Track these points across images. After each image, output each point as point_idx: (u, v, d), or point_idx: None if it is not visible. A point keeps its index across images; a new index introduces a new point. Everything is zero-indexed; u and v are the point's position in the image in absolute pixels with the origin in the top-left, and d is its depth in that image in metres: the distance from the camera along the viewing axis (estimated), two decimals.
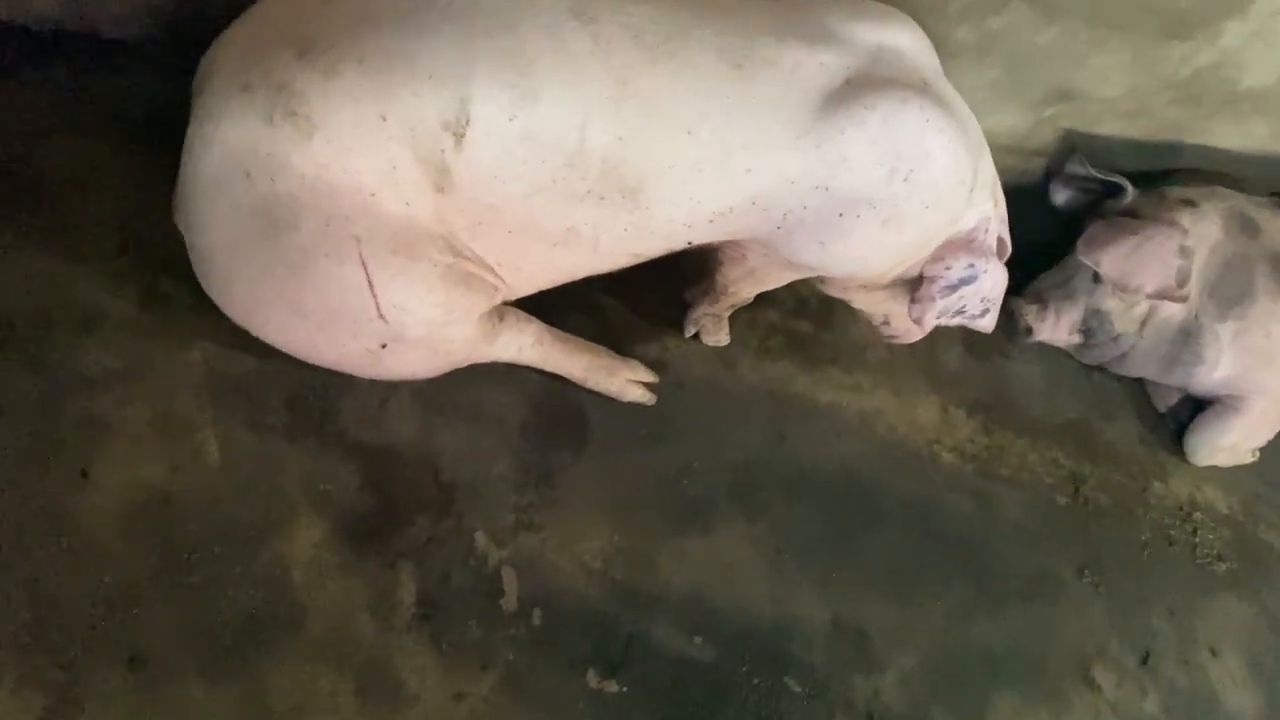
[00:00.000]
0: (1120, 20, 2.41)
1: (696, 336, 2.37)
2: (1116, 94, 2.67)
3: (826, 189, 1.80)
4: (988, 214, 1.98)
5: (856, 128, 1.76)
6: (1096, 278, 2.64)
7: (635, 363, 2.24)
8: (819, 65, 1.76)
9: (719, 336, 2.40)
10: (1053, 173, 2.81)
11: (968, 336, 2.83)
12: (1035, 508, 2.65)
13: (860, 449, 2.48)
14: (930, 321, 2.05)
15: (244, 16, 1.70)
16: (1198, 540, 2.84)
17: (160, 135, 1.84)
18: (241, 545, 1.74)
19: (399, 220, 1.65)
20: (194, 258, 1.73)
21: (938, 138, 1.79)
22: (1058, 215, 2.88)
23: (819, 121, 1.75)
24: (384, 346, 1.75)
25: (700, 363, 2.39)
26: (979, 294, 2.01)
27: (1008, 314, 2.64)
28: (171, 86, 1.82)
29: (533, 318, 2.06)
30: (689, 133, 1.71)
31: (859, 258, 1.91)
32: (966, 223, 1.97)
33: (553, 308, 2.09)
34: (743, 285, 2.20)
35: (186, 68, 1.76)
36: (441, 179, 1.64)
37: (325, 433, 1.91)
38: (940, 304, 1.99)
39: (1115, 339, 2.78)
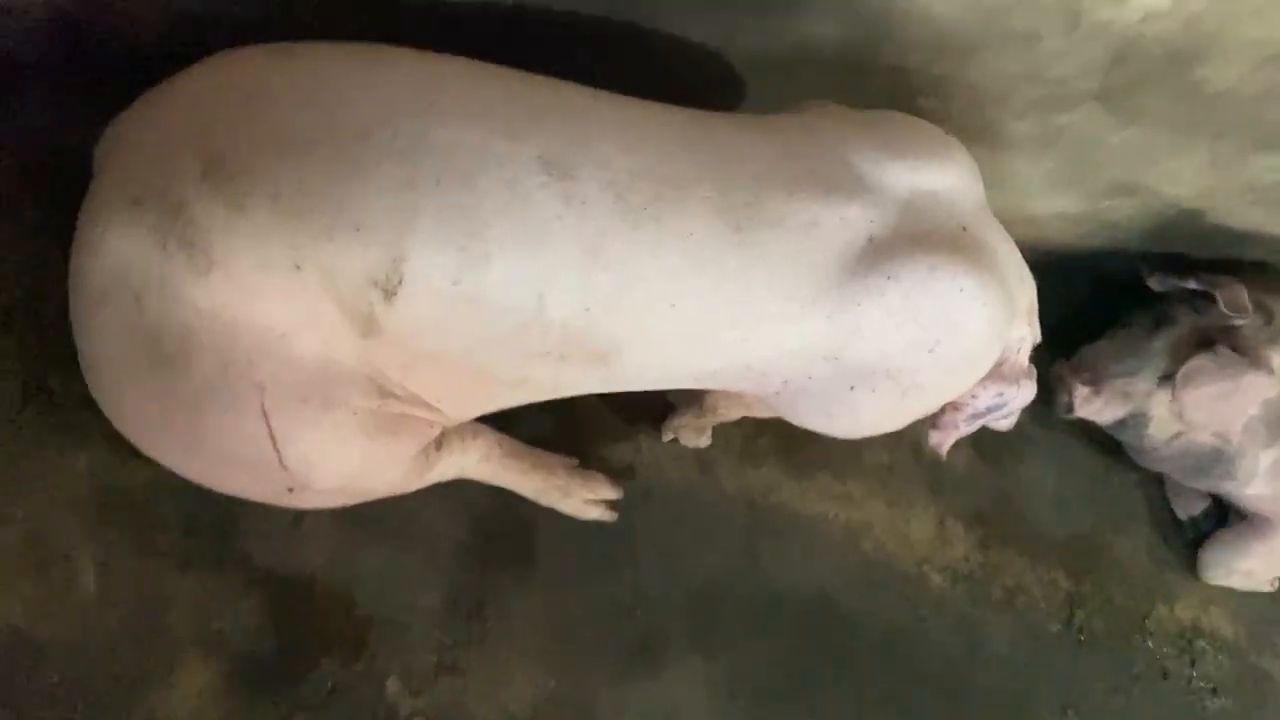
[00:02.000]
0: (1209, 129, 2.08)
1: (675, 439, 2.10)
2: (1186, 193, 2.36)
3: (836, 359, 1.53)
4: (1023, 334, 1.73)
5: (874, 300, 1.48)
6: (1164, 380, 2.40)
7: (597, 477, 2.00)
8: (838, 222, 1.46)
9: (699, 441, 2.15)
10: (1151, 268, 2.56)
11: (979, 438, 2.55)
12: (1024, 637, 2.45)
13: (841, 570, 2.27)
14: (949, 445, 1.84)
15: (152, 94, 1.40)
16: (1194, 673, 2.66)
17: (62, 190, 1.55)
18: (110, 701, 1.52)
19: (313, 363, 1.39)
20: (81, 359, 1.47)
21: (970, 307, 1.52)
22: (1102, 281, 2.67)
23: (832, 290, 1.46)
24: (291, 491, 1.51)
25: (673, 466, 2.15)
26: (1006, 414, 1.82)
27: (1055, 380, 2.47)
28: (75, 128, 1.52)
29: (482, 429, 1.81)
30: (672, 306, 1.43)
31: (871, 425, 1.69)
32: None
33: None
34: (733, 411, 1.95)
35: (95, 104, 1.46)
36: (368, 327, 1.37)
37: (225, 559, 1.68)
38: (964, 430, 1.81)
39: (1142, 438, 2.54)
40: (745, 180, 1.44)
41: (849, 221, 1.47)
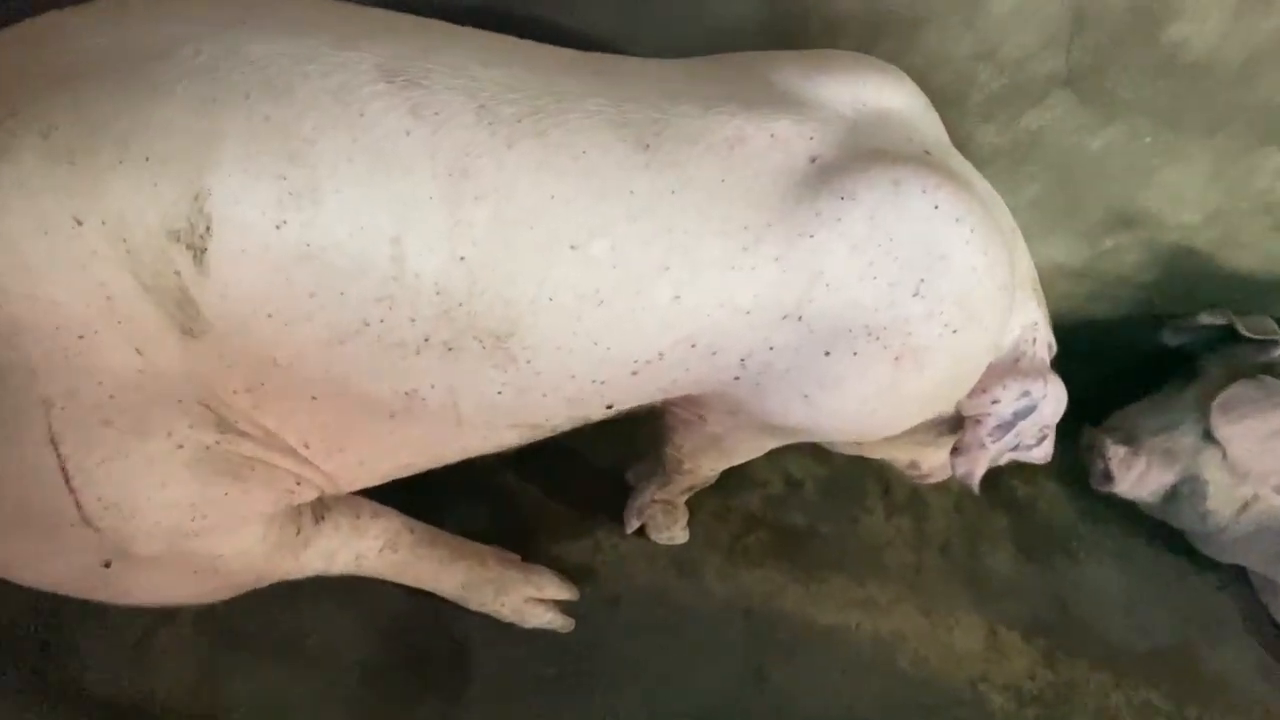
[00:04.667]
0: (1200, 120, 1.85)
1: (642, 532, 1.76)
2: (1195, 219, 2.10)
3: (800, 318, 1.21)
4: (1033, 318, 1.46)
5: (831, 230, 1.18)
6: (1209, 437, 2.07)
7: (543, 572, 1.64)
8: (768, 140, 1.20)
9: (673, 532, 1.80)
10: (1171, 319, 2.31)
11: (1019, 534, 2.19)
12: None
13: (876, 691, 1.85)
14: (981, 473, 1.51)
15: None
16: None
17: None
18: None
19: (122, 376, 1.09)
20: None
21: (954, 230, 1.22)
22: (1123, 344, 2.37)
23: (776, 222, 1.17)
24: (107, 565, 1.19)
25: (646, 569, 1.78)
26: (1038, 424, 1.49)
27: (1087, 448, 2.19)
28: None
29: (385, 510, 1.47)
30: (573, 248, 1.14)
31: (866, 413, 1.32)
32: (1009, 337, 1.43)
33: (428, 489, 1.49)
34: (702, 459, 1.59)
35: None
36: (186, 316, 1.08)
37: (45, 682, 1.28)
38: (993, 450, 1.47)
39: (1203, 515, 2.19)
40: (647, 96, 1.20)
41: (781, 139, 1.21)
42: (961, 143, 1.79)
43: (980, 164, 1.79)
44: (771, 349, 1.24)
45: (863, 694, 1.81)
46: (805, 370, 1.25)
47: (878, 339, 1.23)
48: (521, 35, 1.31)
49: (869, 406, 1.28)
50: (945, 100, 1.71)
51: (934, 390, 1.33)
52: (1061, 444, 2.25)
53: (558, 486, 1.79)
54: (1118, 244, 2.17)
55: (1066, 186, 1.99)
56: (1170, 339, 2.31)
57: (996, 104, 1.80)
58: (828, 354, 1.24)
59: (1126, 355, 2.40)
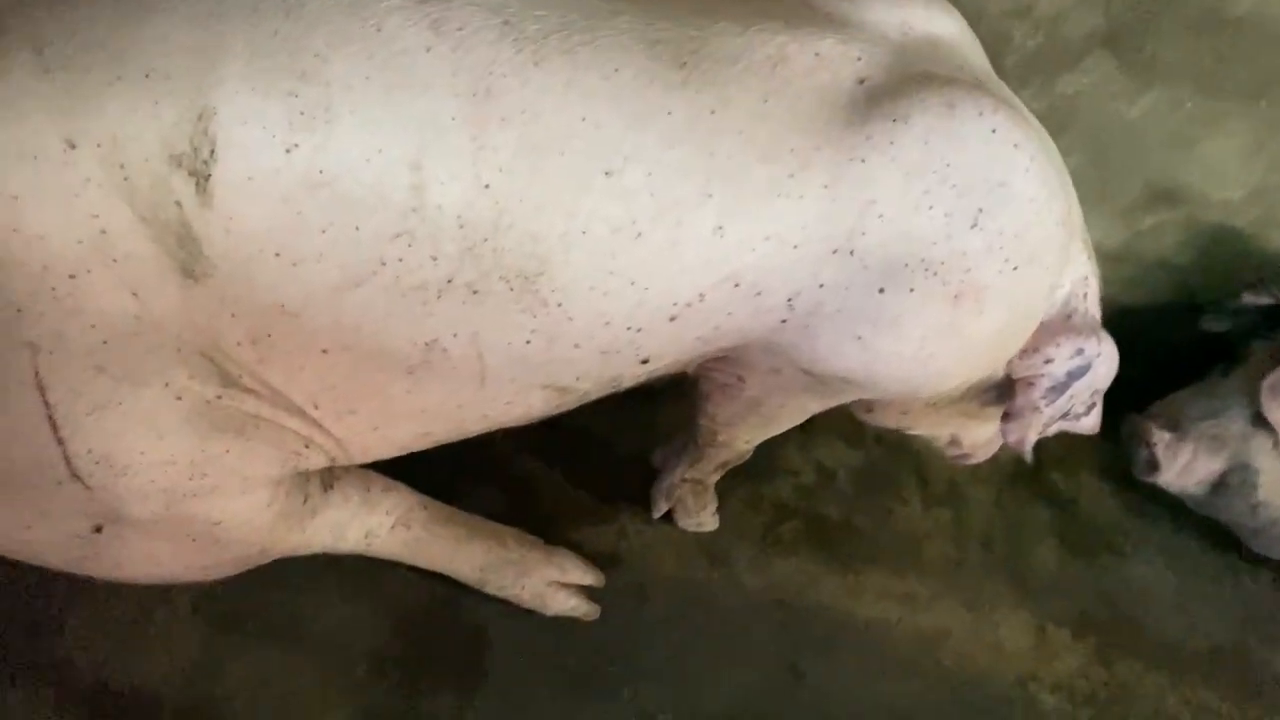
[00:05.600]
0: (1244, 83, 1.78)
1: (669, 517, 1.68)
2: (1236, 195, 2.01)
3: (851, 252, 1.13)
4: (1083, 271, 1.39)
5: (883, 155, 1.10)
6: (1258, 421, 1.97)
7: (566, 555, 1.55)
8: (813, 60, 1.12)
9: (702, 518, 1.70)
10: (1210, 304, 2.21)
11: (1062, 528, 2.08)
12: None
13: (919, 690, 1.73)
14: (1034, 439, 1.43)
15: None
16: None
17: None
18: None
19: (116, 320, 1.01)
20: None
21: (1015, 157, 1.15)
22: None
23: (824, 146, 1.09)
24: (98, 530, 1.11)
25: (674, 558, 1.68)
26: (1090, 386, 1.41)
27: (1129, 436, 2.09)
28: None
29: (396, 484, 1.37)
30: (607, 174, 1.05)
31: (924, 357, 1.22)
32: (1059, 293, 1.36)
33: (444, 473, 1.40)
34: (739, 429, 1.50)
35: None
36: (188, 255, 1.00)
37: (32, 664, 1.18)
38: (1047, 414, 1.39)
39: (1254, 508, 2.09)
40: (680, 13, 1.12)
41: (827, 58, 1.13)
42: None
43: None
44: (821, 286, 1.15)
45: (905, 693, 1.69)
46: (858, 309, 1.16)
47: (935, 274, 1.15)
48: None
49: (927, 349, 1.19)
50: None
51: (992, 336, 1.24)
52: (1102, 436, 2.16)
53: (579, 471, 1.70)
54: (1157, 223, 2.09)
55: (1104, 159, 1.92)
56: (1211, 324, 2.22)
57: (1032, 66, 1.73)
58: (882, 291, 1.15)
59: (1165, 343, 2.30)
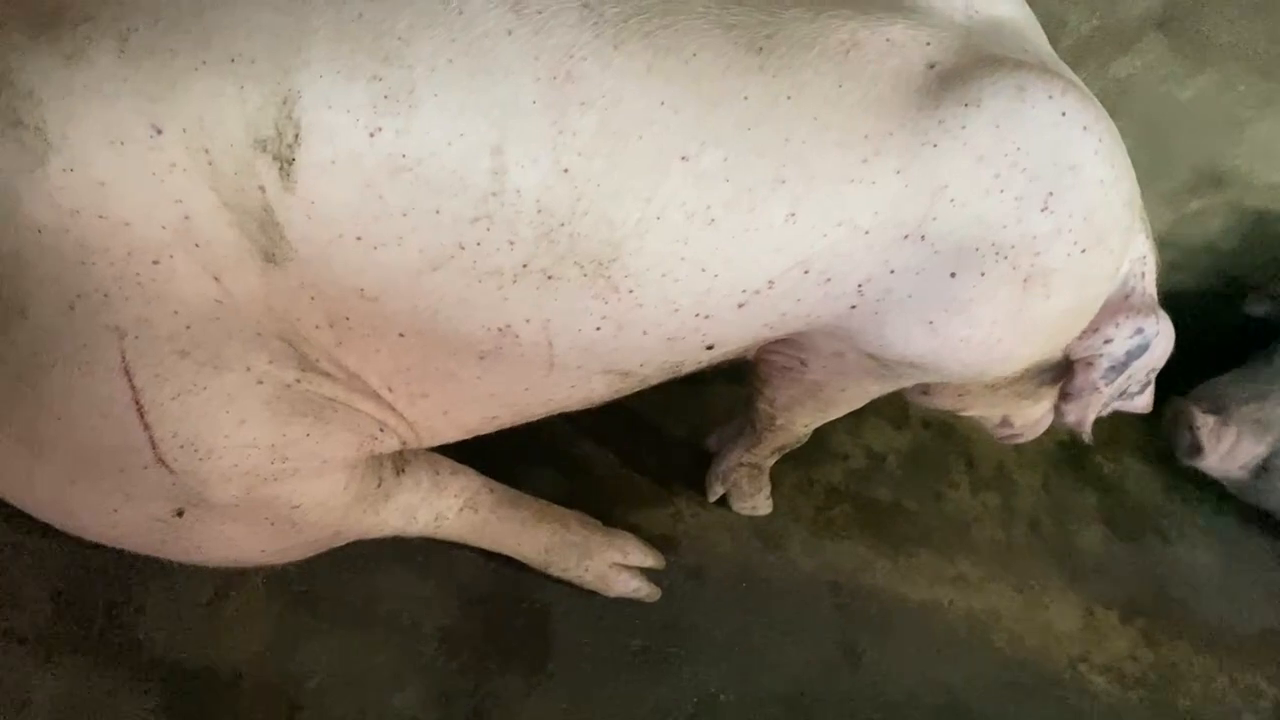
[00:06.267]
0: None
1: (724, 500, 1.65)
2: None
3: (923, 238, 1.12)
4: (1141, 250, 1.37)
5: (955, 139, 1.10)
6: None
7: (627, 537, 1.54)
8: (885, 45, 1.12)
9: (756, 501, 1.70)
10: (1253, 288, 2.24)
11: (1109, 512, 2.09)
12: None
13: (973, 671, 1.74)
14: (1093, 419, 1.42)
15: None
16: None
17: None
18: None
19: (199, 305, 1.02)
20: None
21: (1084, 140, 1.14)
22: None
23: (897, 130, 1.09)
24: (180, 514, 1.11)
25: (729, 540, 1.68)
26: (1148, 365, 1.39)
27: (1172, 420, 2.10)
28: None
29: (464, 468, 1.38)
30: (684, 159, 1.05)
31: (993, 341, 1.22)
32: (1121, 269, 1.34)
33: (504, 457, 1.40)
34: (798, 413, 1.49)
35: None
36: (269, 240, 1.01)
37: (109, 644, 1.21)
38: (1106, 394, 1.37)
39: None
40: (753, 1, 1.12)
41: (898, 43, 1.12)
42: None
43: None
44: (892, 272, 1.15)
45: (959, 674, 1.69)
46: (929, 295, 1.16)
47: (1005, 258, 1.14)
48: None
49: (996, 333, 1.19)
50: None
51: (1058, 319, 1.24)
52: (1146, 421, 2.16)
53: (635, 455, 1.69)
54: (1203, 207, 2.08)
55: (1154, 142, 1.91)
56: (1254, 308, 2.22)
57: (1086, 49, 1.72)
58: (953, 275, 1.14)
59: (1209, 327, 2.29)
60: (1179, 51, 1.74)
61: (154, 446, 1.04)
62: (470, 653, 1.39)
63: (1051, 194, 1.13)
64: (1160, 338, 1.37)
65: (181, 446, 1.05)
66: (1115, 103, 1.82)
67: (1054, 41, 1.66)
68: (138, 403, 1.01)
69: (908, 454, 1.96)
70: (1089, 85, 1.75)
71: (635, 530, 1.58)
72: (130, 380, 1.00)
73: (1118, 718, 1.77)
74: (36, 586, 1.22)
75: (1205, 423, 2.03)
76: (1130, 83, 1.79)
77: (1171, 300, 2.22)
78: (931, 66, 1.13)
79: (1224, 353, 2.24)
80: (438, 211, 1.02)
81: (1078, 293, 1.22)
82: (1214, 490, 2.19)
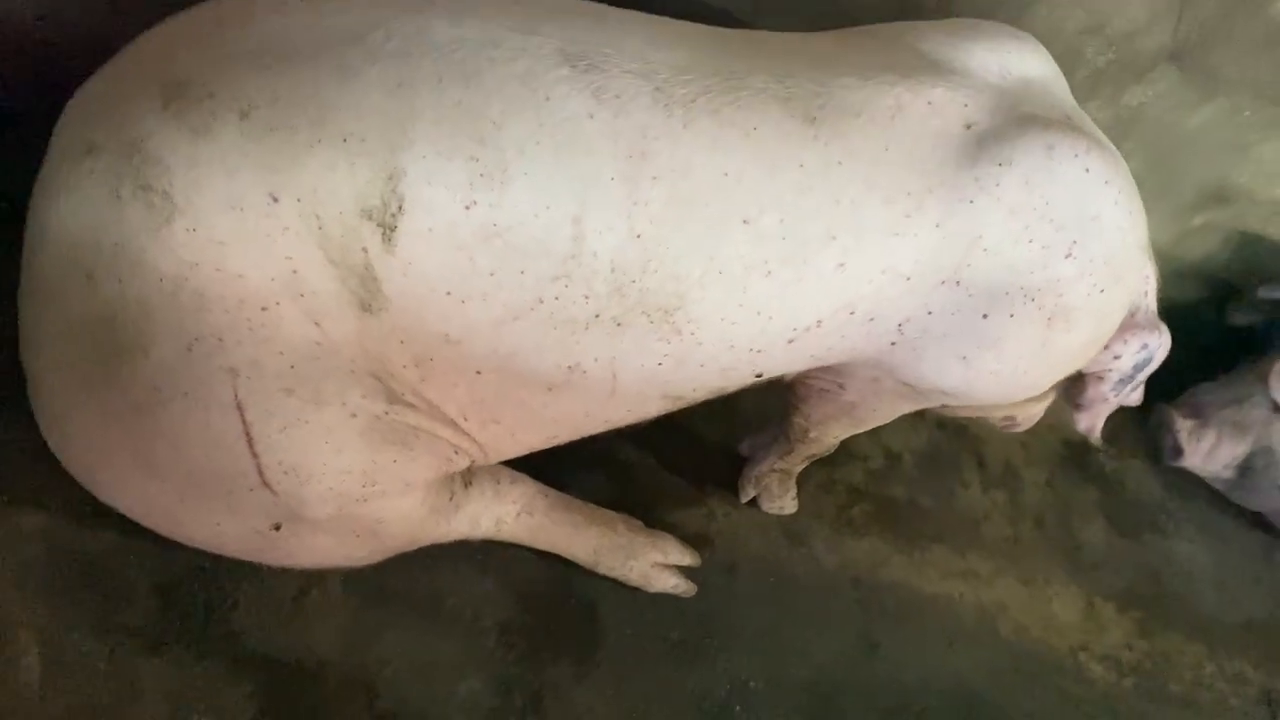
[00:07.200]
0: None
1: (753, 502, 1.78)
2: None
3: (958, 283, 1.23)
4: (1145, 271, 1.46)
5: (990, 195, 1.21)
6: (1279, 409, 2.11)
7: (667, 538, 1.66)
8: (926, 108, 1.22)
9: (784, 502, 1.81)
10: (1235, 295, 2.34)
11: (1110, 508, 2.20)
12: None
13: (981, 660, 1.86)
14: (1101, 424, 1.57)
15: (117, 56, 1.22)
16: None
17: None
18: None
19: (301, 347, 1.12)
20: (30, 389, 1.20)
21: (1105, 193, 1.25)
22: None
23: (937, 188, 1.20)
24: (277, 528, 1.21)
25: (759, 538, 1.80)
26: (1149, 372, 1.52)
27: (1156, 424, 2.24)
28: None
29: (521, 476, 1.50)
30: (745, 222, 1.16)
31: (1020, 373, 1.34)
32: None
33: (554, 461, 1.52)
34: (831, 428, 1.61)
35: None
36: (367, 292, 1.11)
37: (209, 637, 1.33)
38: (1113, 403, 1.51)
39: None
40: (806, 70, 1.22)
41: (938, 106, 1.23)
42: None
43: None
44: (930, 313, 1.27)
45: (969, 663, 1.82)
46: (963, 333, 1.28)
47: (1032, 300, 1.26)
48: (648, 9, 1.34)
49: (1022, 366, 1.31)
50: None
51: (1078, 349, 1.36)
52: (1145, 423, 2.28)
53: (672, 459, 1.81)
54: (1206, 222, 2.18)
55: (1162, 164, 2.01)
56: (1237, 317, 2.33)
57: (1102, 80, 1.82)
58: (985, 317, 1.26)
59: (1205, 337, 2.41)
60: (1189, 82, 1.83)
61: (260, 473, 1.15)
62: (526, 644, 1.51)
63: (1075, 242, 1.24)
64: (1161, 349, 1.49)
65: (285, 472, 1.16)
66: (1126, 128, 1.92)
67: (1070, 73, 1.76)
68: (248, 435, 1.12)
69: (922, 454, 2.08)
70: (1101, 112, 1.87)
71: (672, 529, 1.70)
72: (242, 415, 1.11)
73: (1112, 703, 1.91)
74: (142, 583, 1.34)
75: (1185, 426, 2.16)
76: (1142, 110, 1.88)
77: (1168, 309, 2.33)
78: (969, 127, 1.24)
79: (1218, 362, 2.34)
80: (522, 272, 1.13)
81: (1096, 326, 1.34)
82: (1209, 487, 2.32)
